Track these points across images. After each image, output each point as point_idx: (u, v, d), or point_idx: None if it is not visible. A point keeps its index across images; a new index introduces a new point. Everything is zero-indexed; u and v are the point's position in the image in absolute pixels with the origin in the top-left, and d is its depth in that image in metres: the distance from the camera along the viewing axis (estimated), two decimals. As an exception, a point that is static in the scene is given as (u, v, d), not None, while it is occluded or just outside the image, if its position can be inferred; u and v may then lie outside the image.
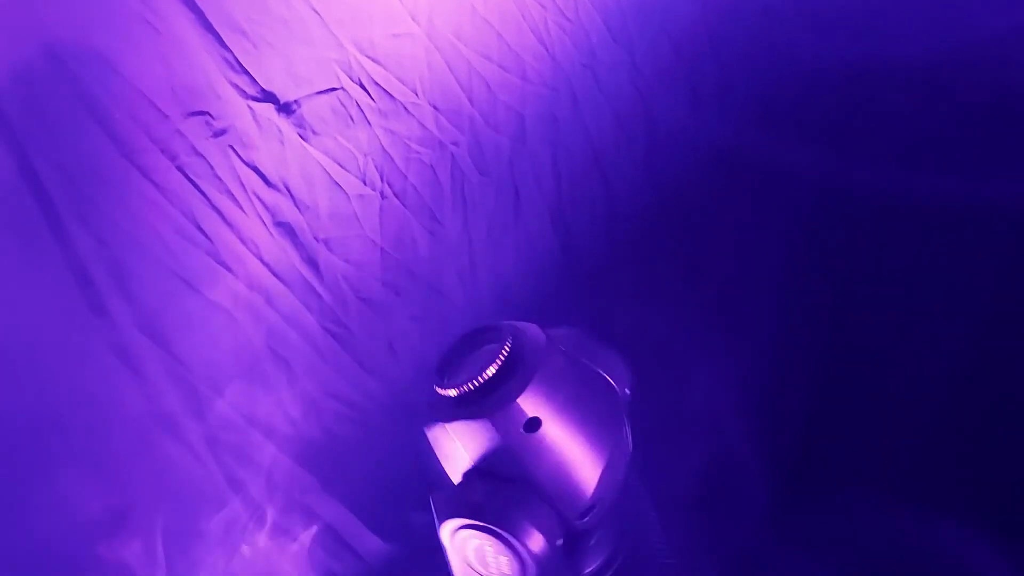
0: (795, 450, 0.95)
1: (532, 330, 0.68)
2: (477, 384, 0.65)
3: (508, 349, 0.65)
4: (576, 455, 0.65)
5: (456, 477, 0.68)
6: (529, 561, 0.63)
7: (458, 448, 0.66)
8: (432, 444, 0.68)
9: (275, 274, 0.90)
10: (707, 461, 0.92)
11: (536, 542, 0.63)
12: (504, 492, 0.65)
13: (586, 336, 0.72)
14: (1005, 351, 0.92)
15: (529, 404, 0.64)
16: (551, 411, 0.65)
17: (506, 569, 0.65)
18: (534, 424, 0.64)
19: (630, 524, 0.74)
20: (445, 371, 0.69)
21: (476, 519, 0.64)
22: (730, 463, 0.95)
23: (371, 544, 0.95)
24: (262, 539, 0.92)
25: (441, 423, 0.66)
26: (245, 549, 0.91)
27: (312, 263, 0.92)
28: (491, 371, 0.65)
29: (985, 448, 0.90)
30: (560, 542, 0.65)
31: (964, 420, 0.91)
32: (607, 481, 0.66)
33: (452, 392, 0.65)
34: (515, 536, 0.63)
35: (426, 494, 0.74)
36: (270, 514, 0.92)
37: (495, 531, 0.63)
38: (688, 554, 0.87)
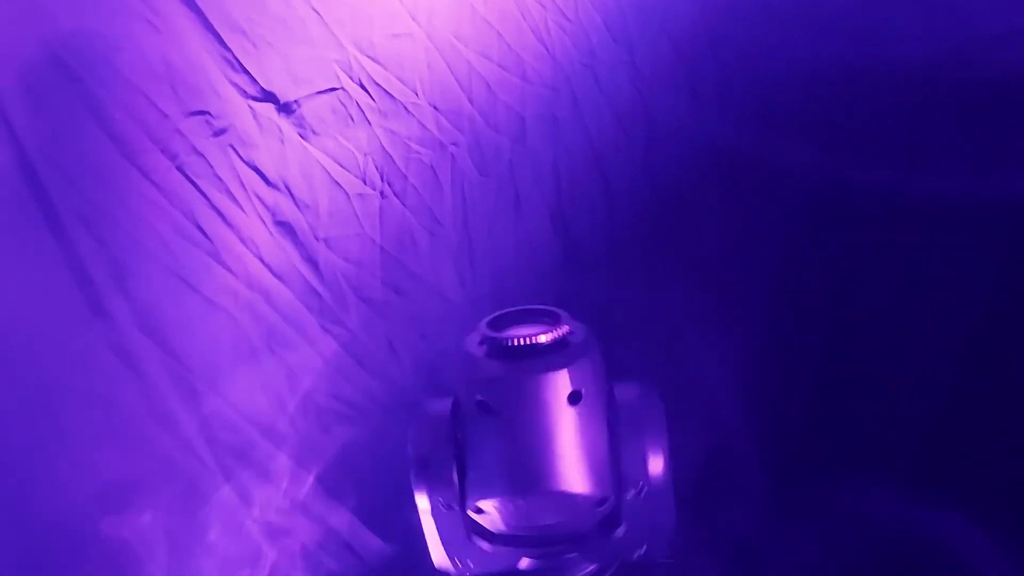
0: (796, 447, 0.95)
1: (590, 356, 0.64)
2: (501, 342, 0.63)
3: (549, 338, 0.62)
4: (507, 471, 0.62)
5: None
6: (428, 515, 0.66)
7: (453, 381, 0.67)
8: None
9: (275, 274, 0.90)
10: (708, 458, 0.92)
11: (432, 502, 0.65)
12: (446, 447, 0.64)
13: (655, 411, 0.66)
14: (1005, 344, 0.92)
15: (489, 393, 0.62)
16: (511, 413, 0.62)
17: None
18: (486, 408, 0.62)
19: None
20: (514, 320, 0.66)
21: (412, 449, 0.65)
22: (731, 460, 0.95)
23: (371, 544, 0.95)
24: (262, 539, 0.92)
25: (460, 351, 0.66)
26: (244, 548, 0.91)
27: (312, 262, 0.92)
28: (514, 341, 0.63)
29: (985, 438, 0.90)
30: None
31: (965, 413, 0.91)
32: (531, 517, 0.64)
33: (482, 333, 0.64)
34: (417, 488, 0.65)
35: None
36: (269, 514, 0.92)
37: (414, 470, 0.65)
38: (688, 552, 0.87)
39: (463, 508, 0.65)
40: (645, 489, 0.65)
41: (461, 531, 0.67)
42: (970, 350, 0.92)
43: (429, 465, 0.64)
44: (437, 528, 0.67)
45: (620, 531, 0.66)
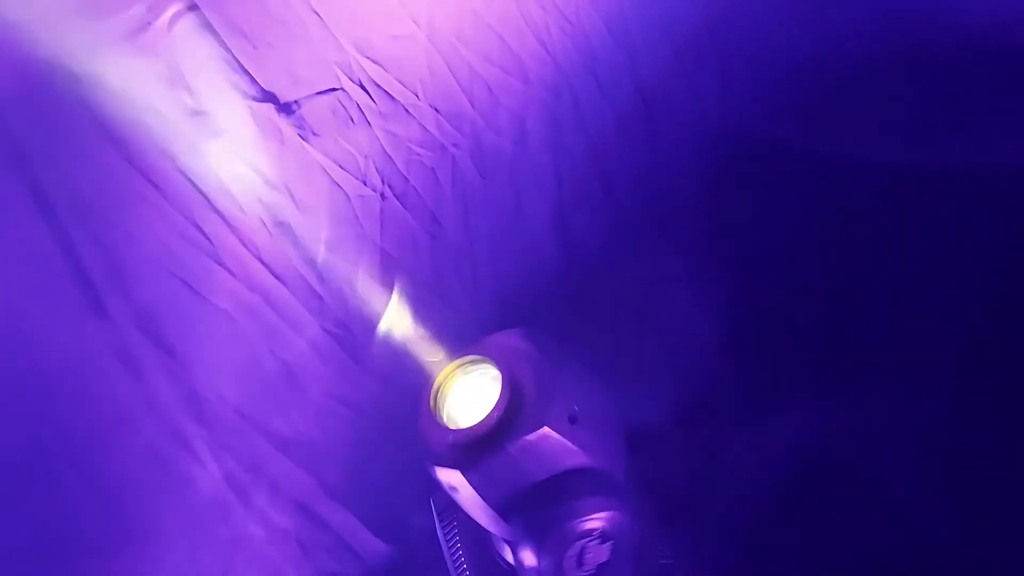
0: (800, 447, 0.94)
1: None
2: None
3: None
4: None
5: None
6: None
7: None
8: None
9: (275, 275, 0.90)
10: (709, 459, 0.91)
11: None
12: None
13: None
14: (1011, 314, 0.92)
15: None
16: None
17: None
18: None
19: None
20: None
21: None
22: (733, 460, 0.95)
23: (371, 545, 0.95)
24: (262, 540, 0.92)
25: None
26: (244, 549, 0.91)
27: (312, 264, 0.92)
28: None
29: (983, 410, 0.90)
30: None
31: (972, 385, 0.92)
32: None
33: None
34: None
35: (426, 496, 0.74)
36: (270, 515, 0.92)
37: None
38: (688, 554, 0.87)
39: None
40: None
41: None
42: (979, 311, 0.93)
43: None
44: None
45: None
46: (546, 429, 0.68)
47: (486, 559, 0.81)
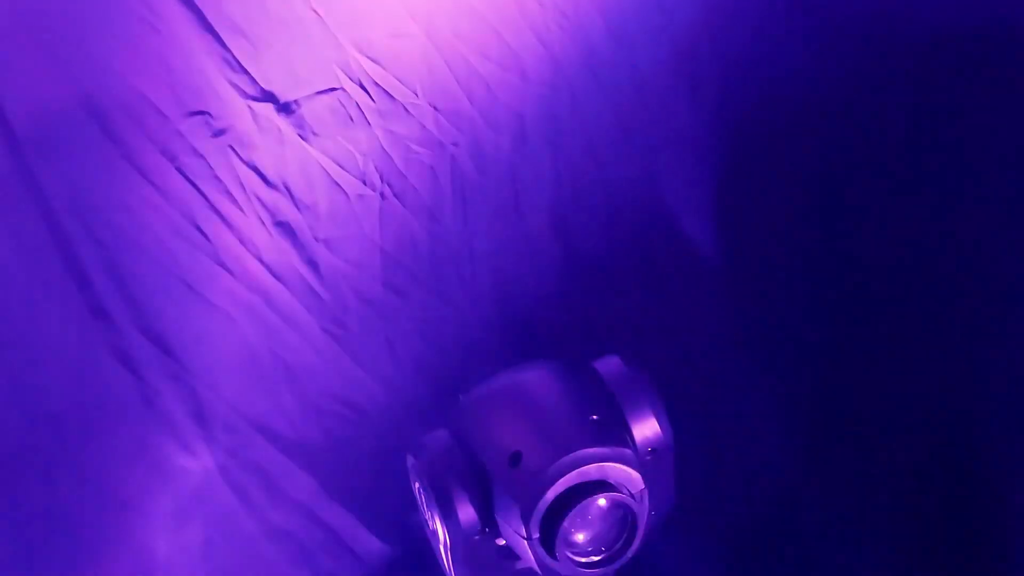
0: (802, 450, 0.95)
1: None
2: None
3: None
4: None
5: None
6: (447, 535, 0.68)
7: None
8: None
9: (274, 275, 0.90)
10: (710, 460, 0.92)
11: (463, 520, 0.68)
12: (465, 481, 0.68)
13: (642, 377, 0.72)
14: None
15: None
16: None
17: (432, 525, 0.71)
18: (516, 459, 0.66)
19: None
20: None
21: (428, 486, 0.69)
22: (733, 461, 0.95)
23: (370, 545, 0.95)
24: (261, 540, 0.92)
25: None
26: (244, 549, 0.91)
27: (312, 263, 0.92)
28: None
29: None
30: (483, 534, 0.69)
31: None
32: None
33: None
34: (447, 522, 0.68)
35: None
36: (269, 514, 0.92)
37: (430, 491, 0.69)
38: (688, 554, 0.87)
39: (493, 535, 0.68)
40: (651, 449, 0.70)
41: (492, 555, 0.70)
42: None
43: (451, 500, 0.68)
44: (467, 558, 0.69)
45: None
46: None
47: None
